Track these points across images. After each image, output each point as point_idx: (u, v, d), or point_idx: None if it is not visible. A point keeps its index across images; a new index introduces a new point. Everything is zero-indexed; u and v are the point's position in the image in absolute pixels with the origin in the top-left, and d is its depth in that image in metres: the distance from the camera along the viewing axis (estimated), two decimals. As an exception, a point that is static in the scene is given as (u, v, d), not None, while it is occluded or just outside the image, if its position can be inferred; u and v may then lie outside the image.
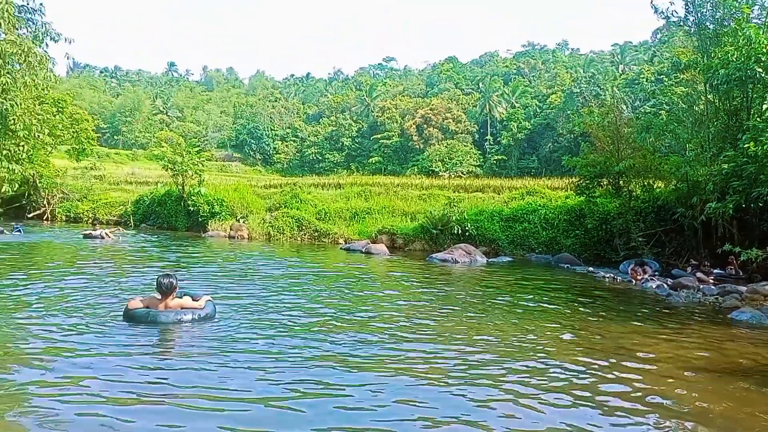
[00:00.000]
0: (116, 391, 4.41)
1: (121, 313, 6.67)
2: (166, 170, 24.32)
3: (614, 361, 5.82)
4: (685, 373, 5.50)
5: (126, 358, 5.25)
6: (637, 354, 6.13)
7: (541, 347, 6.31)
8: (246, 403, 4.30)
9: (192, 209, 22.99)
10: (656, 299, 10.20)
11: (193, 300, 6.83)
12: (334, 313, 7.67)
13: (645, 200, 17.21)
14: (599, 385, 5.05)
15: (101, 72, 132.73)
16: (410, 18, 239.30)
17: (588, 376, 5.30)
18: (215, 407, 4.18)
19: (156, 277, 6.79)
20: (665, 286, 11.27)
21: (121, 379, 4.68)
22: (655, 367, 5.68)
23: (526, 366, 5.53)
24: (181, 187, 24.08)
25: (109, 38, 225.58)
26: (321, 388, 4.69)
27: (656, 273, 13.23)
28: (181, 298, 6.76)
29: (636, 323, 7.93)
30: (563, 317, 8.16)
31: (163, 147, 26.34)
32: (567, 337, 6.89)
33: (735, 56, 13.13)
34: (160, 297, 6.55)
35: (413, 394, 4.61)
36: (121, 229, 19.60)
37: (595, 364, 5.68)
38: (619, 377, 5.29)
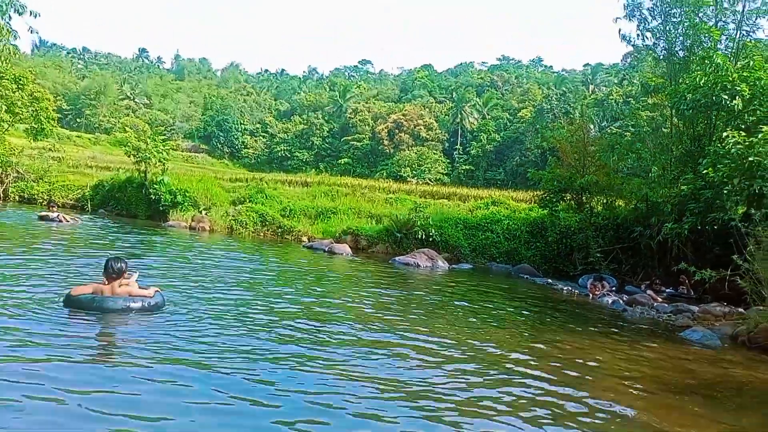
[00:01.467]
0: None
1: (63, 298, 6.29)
2: (129, 156, 23.67)
3: (568, 372, 5.87)
4: (636, 387, 5.57)
5: (61, 348, 5.00)
6: (591, 366, 6.19)
7: (497, 355, 6.32)
8: (177, 404, 4.14)
9: (153, 198, 22.37)
10: (612, 314, 10.38)
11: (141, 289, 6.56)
12: (289, 311, 7.52)
13: (605, 217, 17.57)
14: (549, 395, 5.06)
15: (68, 53, 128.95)
16: (388, 23, 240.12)
17: (539, 385, 5.32)
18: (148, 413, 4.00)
19: (105, 260, 6.44)
20: (621, 301, 11.48)
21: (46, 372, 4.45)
22: (608, 380, 5.75)
23: (478, 374, 5.52)
24: (143, 175, 23.44)
25: (79, 18, 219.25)
26: (253, 387, 4.56)
27: (614, 289, 13.48)
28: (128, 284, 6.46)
29: (591, 336, 8.04)
30: (521, 326, 8.22)
31: (127, 132, 25.64)
32: (523, 345, 6.93)
33: (703, 82, 13.51)
34: (106, 282, 6.22)
35: (346, 392, 4.53)
36: (77, 218, 18.81)
37: (548, 374, 5.71)
38: (570, 389, 5.32)
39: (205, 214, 21.36)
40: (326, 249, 17.14)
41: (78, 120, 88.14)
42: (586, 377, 5.70)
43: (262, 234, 20.21)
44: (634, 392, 5.40)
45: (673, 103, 15.80)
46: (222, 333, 5.92)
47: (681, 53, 17.15)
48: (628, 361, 6.63)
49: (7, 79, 26.57)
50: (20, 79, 27.37)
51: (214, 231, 20.14)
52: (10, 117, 26.94)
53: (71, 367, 4.47)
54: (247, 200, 22.45)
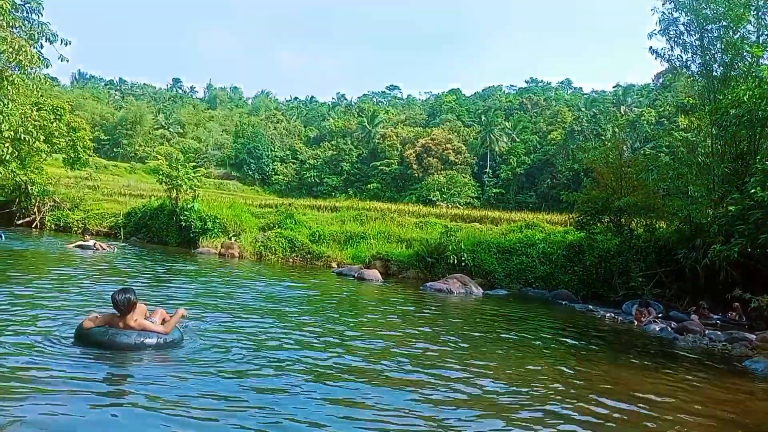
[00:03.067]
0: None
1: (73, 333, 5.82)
2: (161, 183, 23.96)
3: (624, 407, 5.32)
4: (700, 427, 5.00)
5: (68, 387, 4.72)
6: (646, 402, 5.62)
7: (543, 389, 5.80)
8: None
9: (184, 224, 22.47)
10: (661, 343, 9.72)
11: (167, 316, 6.18)
12: (319, 339, 7.16)
13: (646, 240, 16.86)
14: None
15: (106, 84, 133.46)
16: (415, 49, 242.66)
17: (595, 423, 4.80)
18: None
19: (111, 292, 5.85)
20: (669, 329, 10.79)
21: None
22: (667, 419, 5.17)
23: (525, 410, 5.03)
24: (174, 202, 23.63)
25: (115, 50, 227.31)
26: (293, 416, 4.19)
27: (660, 315, 12.76)
28: (148, 315, 6.02)
29: (642, 368, 7.43)
30: (564, 357, 7.67)
31: (158, 159, 26.02)
32: (569, 378, 6.40)
33: (747, 97, 12.91)
34: (119, 315, 5.74)
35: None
36: (111, 246, 18.88)
37: (599, 411, 5.18)
38: (628, 427, 4.80)
39: (235, 240, 21.31)
40: (356, 275, 16.80)
41: (115, 150, 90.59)
42: (642, 415, 5.16)
43: (290, 260, 20.02)
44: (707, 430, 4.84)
45: (713, 119, 15.19)
46: (246, 371, 5.56)
47: (719, 69, 16.57)
48: (687, 397, 6.03)
49: (46, 110, 27.37)
50: (58, 110, 28.20)
51: (244, 257, 20.03)
52: (48, 147, 27.64)
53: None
54: (276, 226, 22.36)
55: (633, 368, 7.39)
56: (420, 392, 5.30)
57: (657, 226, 17.24)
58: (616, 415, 5.16)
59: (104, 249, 17.64)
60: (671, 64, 18.25)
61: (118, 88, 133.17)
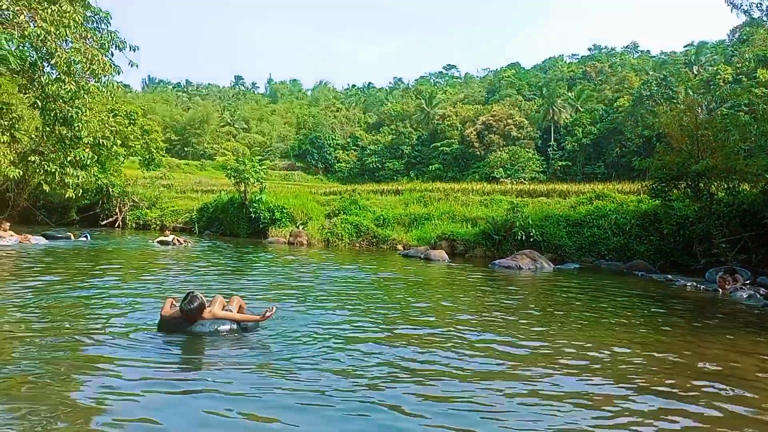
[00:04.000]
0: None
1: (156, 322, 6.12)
2: (230, 178, 24.83)
3: (718, 384, 5.01)
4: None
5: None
6: (740, 377, 5.28)
7: (631, 366, 5.52)
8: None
9: (253, 216, 23.23)
10: (750, 311, 9.16)
11: (243, 303, 6.37)
12: (393, 322, 7.22)
13: (728, 204, 15.89)
14: (701, 414, 4.33)
15: (174, 87, 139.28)
16: (472, 24, 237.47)
17: (688, 402, 4.54)
18: None
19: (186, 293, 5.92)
20: (758, 295, 10.16)
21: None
22: (757, 393, 4.86)
23: (613, 388, 4.87)
24: (243, 195, 24.42)
25: (180, 54, 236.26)
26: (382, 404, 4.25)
27: (748, 282, 12.02)
28: (225, 304, 6.14)
29: (732, 339, 7.00)
30: (648, 330, 7.33)
31: (226, 155, 26.92)
32: (657, 354, 6.06)
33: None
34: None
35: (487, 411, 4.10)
36: (187, 241, 19.81)
37: (696, 388, 4.86)
38: (711, 403, 4.54)
39: (302, 228, 21.81)
40: (422, 256, 16.81)
41: (186, 149, 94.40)
42: (737, 392, 4.84)
43: (357, 245, 20.29)
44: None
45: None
46: (323, 355, 5.69)
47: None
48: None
49: (120, 115, 28.87)
50: (132, 115, 29.73)
51: (312, 244, 20.47)
52: (125, 150, 29.22)
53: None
54: (342, 212, 22.68)
55: (719, 339, 6.99)
56: (503, 361, 5.26)
57: (740, 188, 16.19)
58: (703, 391, 4.86)
59: (182, 243, 18.57)
60: (749, 15, 16.98)
61: (185, 90, 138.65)
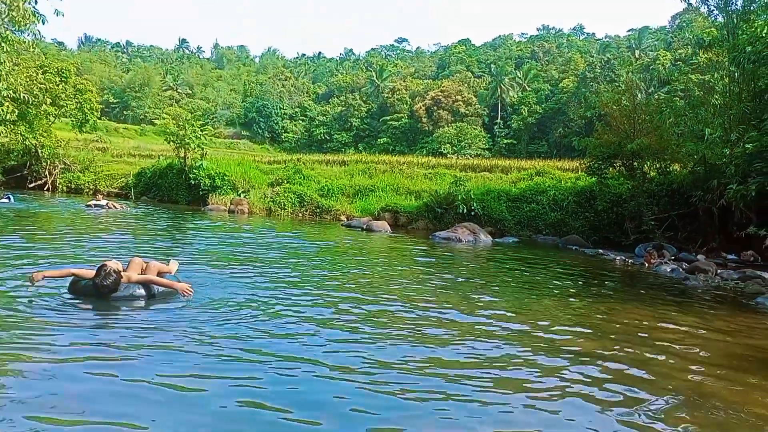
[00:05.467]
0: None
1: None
2: (169, 143, 23.91)
3: (629, 349, 5.19)
4: (710, 364, 4.91)
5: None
6: (655, 342, 5.52)
7: (549, 332, 5.70)
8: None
9: (193, 183, 22.49)
10: (672, 284, 9.59)
11: (165, 267, 6.07)
12: (327, 290, 7.14)
13: (659, 183, 16.56)
14: (610, 376, 4.46)
15: (113, 47, 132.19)
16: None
17: (600, 365, 4.71)
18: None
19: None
20: (681, 270, 10.66)
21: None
22: (676, 357, 5.06)
23: (535, 351, 4.96)
24: (182, 161, 23.60)
25: (121, 13, 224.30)
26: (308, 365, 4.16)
27: (672, 257, 12.61)
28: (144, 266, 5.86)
29: (652, 308, 7.32)
30: (573, 299, 7.57)
31: (165, 119, 25.86)
32: (580, 320, 6.29)
33: (765, 32, 12.36)
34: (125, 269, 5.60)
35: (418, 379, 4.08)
36: (122, 206, 19.02)
37: (607, 352, 5.06)
38: (634, 368, 4.67)
39: (244, 196, 21.31)
40: (364, 227, 16.77)
41: (125, 112, 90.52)
42: (651, 355, 5.05)
43: (300, 215, 20.03)
44: (708, 370, 4.73)
45: (732, 57, 14.63)
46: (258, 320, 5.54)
47: (739, 2, 15.83)
48: (696, 336, 5.92)
49: (51, 72, 27.15)
50: (63, 72, 27.96)
51: (253, 213, 20.06)
52: (56, 110, 27.58)
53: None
54: (285, 181, 22.28)
55: (640, 308, 7.29)
56: (420, 331, 5.26)
57: (671, 168, 16.89)
58: (618, 354, 5.06)
59: (116, 208, 17.87)
60: (687, 1, 17.49)
61: (125, 50, 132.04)
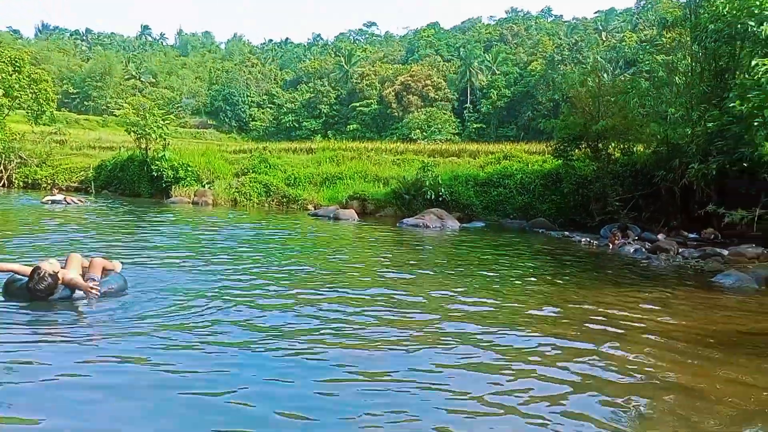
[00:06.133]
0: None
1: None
2: (129, 134, 23.21)
3: (590, 328, 5.21)
4: (669, 342, 4.89)
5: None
6: (616, 320, 5.50)
7: (516, 315, 5.65)
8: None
9: (155, 174, 21.89)
10: (634, 263, 9.64)
11: (109, 264, 5.78)
12: (290, 280, 6.92)
13: (623, 164, 16.68)
14: (571, 355, 4.39)
15: (71, 35, 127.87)
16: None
17: (560, 344, 4.66)
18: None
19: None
20: (643, 249, 10.73)
21: None
22: (636, 335, 5.05)
23: (499, 334, 4.88)
24: (144, 152, 22.94)
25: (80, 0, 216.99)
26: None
27: (636, 237, 12.71)
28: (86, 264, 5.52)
29: (613, 288, 7.33)
30: (537, 281, 7.54)
31: (124, 108, 25.07)
32: (541, 303, 6.24)
33: (727, 10, 12.43)
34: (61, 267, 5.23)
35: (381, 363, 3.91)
36: (82, 200, 18.36)
37: (569, 332, 5.05)
38: (593, 345, 4.67)
39: (209, 187, 20.84)
40: (332, 216, 16.53)
41: (86, 103, 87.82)
42: (611, 333, 5.04)
43: (266, 205, 19.67)
44: (667, 347, 4.71)
45: (694, 37, 14.74)
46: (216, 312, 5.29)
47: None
48: (656, 313, 5.92)
49: (3, 62, 26.06)
50: (16, 61, 26.84)
51: (218, 204, 19.64)
52: (9, 101, 26.53)
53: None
54: (251, 171, 21.85)
55: (602, 288, 7.27)
56: (380, 316, 5.10)
57: (635, 149, 17.01)
58: (579, 333, 5.03)
59: (75, 202, 17.29)
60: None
61: (84, 38, 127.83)
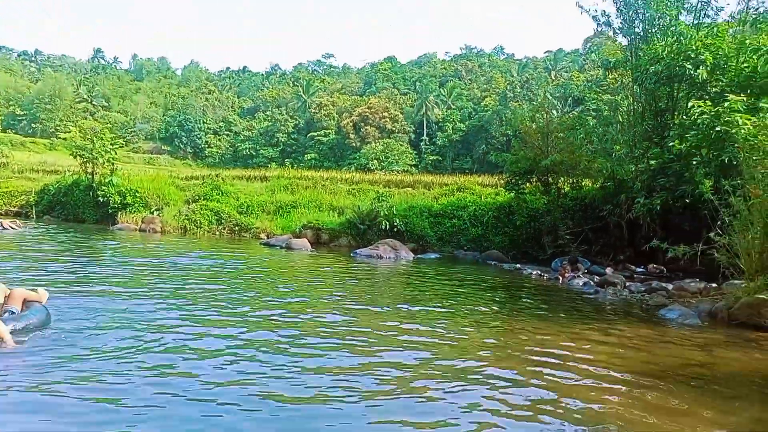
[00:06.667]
0: None
1: None
2: (75, 157, 22.42)
3: (535, 362, 5.17)
4: (613, 377, 4.90)
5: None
6: (561, 355, 5.50)
7: (462, 348, 5.61)
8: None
9: (102, 200, 21.12)
10: (583, 297, 9.76)
11: (31, 295, 5.37)
12: (230, 311, 6.66)
13: (573, 198, 17.10)
14: (514, 390, 4.34)
15: (19, 55, 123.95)
16: (351, 16, 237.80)
17: (505, 378, 4.62)
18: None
19: None
20: (592, 283, 10.91)
21: None
22: (580, 371, 5.04)
23: (444, 367, 4.79)
24: (90, 176, 22.16)
25: (29, 20, 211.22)
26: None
27: (586, 271, 12.93)
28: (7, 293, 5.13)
29: (560, 322, 7.38)
30: (486, 315, 7.52)
31: (70, 131, 24.29)
32: (488, 336, 6.22)
33: (666, 53, 13.08)
34: None
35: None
36: (19, 225, 17.55)
37: (514, 367, 5.02)
38: (537, 380, 4.64)
39: (157, 214, 20.23)
40: (284, 245, 16.25)
41: (34, 125, 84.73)
42: (557, 369, 5.01)
43: (217, 233, 19.21)
44: (611, 383, 4.73)
45: (635, 77, 15.43)
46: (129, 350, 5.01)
47: (641, 26, 16.72)
48: (601, 348, 5.96)
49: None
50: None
51: (167, 232, 19.05)
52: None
53: None
54: (202, 198, 21.37)
55: (550, 322, 7.29)
56: (327, 355, 4.93)
57: (583, 184, 17.50)
58: (524, 368, 4.99)
59: (12, 227, 16.51)
60: (596, 21, 18.27)
61: (33, 59, 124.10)
